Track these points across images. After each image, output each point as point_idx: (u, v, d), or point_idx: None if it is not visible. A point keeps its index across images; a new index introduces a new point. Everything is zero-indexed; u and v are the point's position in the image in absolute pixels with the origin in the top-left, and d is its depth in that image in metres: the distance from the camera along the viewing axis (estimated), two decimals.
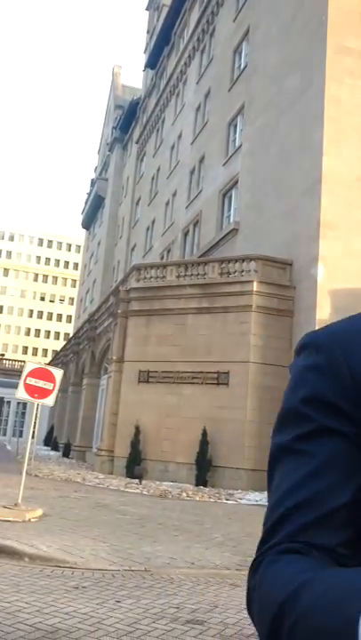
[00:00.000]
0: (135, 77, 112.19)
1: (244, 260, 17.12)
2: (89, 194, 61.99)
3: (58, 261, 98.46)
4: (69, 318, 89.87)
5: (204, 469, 15.47)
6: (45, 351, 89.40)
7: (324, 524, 0.67)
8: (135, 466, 16.37)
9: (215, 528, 9.50)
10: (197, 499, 13.62)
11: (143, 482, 15.50)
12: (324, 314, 15.31)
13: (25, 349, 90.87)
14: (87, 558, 6.47)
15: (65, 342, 58.05)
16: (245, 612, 3.10)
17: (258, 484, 14.95)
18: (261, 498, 14.32)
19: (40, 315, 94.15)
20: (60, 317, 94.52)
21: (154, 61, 40.87)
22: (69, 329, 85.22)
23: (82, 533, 7.80)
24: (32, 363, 10.01)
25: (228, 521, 10.51)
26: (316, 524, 0.67)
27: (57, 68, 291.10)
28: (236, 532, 9.26)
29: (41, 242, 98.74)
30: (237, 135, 23.65)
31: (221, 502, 13.39)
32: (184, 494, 13.86)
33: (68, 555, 6.49)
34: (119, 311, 18.69)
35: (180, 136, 32.44)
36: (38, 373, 9.47)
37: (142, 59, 47.97)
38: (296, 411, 0.73)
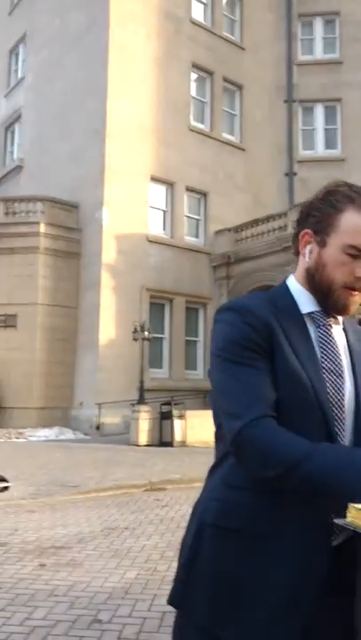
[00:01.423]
0: None
1: (30, 201, 16.91)
2: None
3: None
4: None
5: None
6: None
7: (272, 405, 1.14)
8: None
9: (8, 464, 9.87)
10: None
11: None
12: (109, 256, 16.09)
13: None
14: None
15: None
16: (43, 530, 3.79)
17: (47, 421, 15.57)
18: (50, 434, 15.02)
19: None
20: None
21: None
22: None
23: None
24: None
25: (20, 457, 10.97)
26: (269, 404, 1.14)
27: None
28: (29, 467, 9.79)
29: None
30: (20, 65, 22.49)
31: (12, 441, 13.73)
32: None
33: None
34: None
35: None
36: None
37: None
38: (238, 341, 1.19)
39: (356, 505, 1.01)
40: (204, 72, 19.09)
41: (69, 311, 16.28)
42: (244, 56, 20.11)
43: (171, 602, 1.25)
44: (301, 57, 21.10)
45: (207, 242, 18.43)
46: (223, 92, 19.59)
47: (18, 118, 21.94)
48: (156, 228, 17.50)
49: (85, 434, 15.22)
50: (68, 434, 15.31)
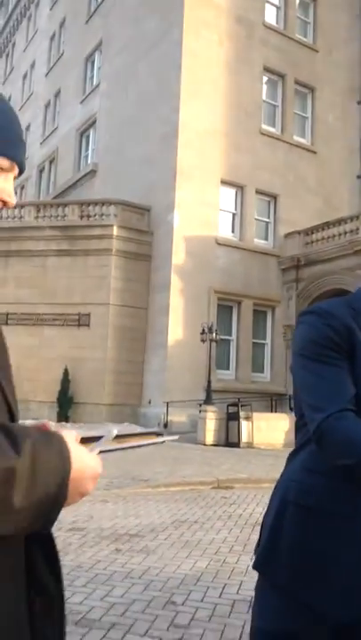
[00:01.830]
0: None
1: (104, 204, 17.49)
2: None
3: None
4: None
5: (66, 406, 16.19)
6: None
7: (351, 400, 1.30)
8: None
9: None
10: None
11: None
12: (179, 258, 16.42)
13: None
14: None
15: None
16: (117, 519, 4.10)
17: (117, 417, 16.07)
18: (120, 429, 15.47)
19: None
20: None
21: None
22: None
23: None
24: None
25: None
26: (350, 400, 1.30)
27: None
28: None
29: None
30: (95, 72, 23.28)
31: None
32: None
33: None
34: None
35: (32, 65, 30.85)
36: None
37: None
38: (320, 342, 1.35)
39: None
40: (276, 75, 19.10)
41: (139, 312, 16.73)
42: (316, 58, 19.95)
43: (255, 566, 1.45)
44: None
45: (276, 244, 18.41)
46: (295, 95, 19.52)
47: (93, 124, 22.72)
48: (226, 231, 17.67)
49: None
50: (137, 430, 15.73)
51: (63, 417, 16.14)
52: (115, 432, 1.06)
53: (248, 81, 18.18)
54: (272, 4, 19.38)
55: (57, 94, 26.75)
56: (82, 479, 0.83)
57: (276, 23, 19.42)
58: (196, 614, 3.47)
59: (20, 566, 0.88)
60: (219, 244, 17.08)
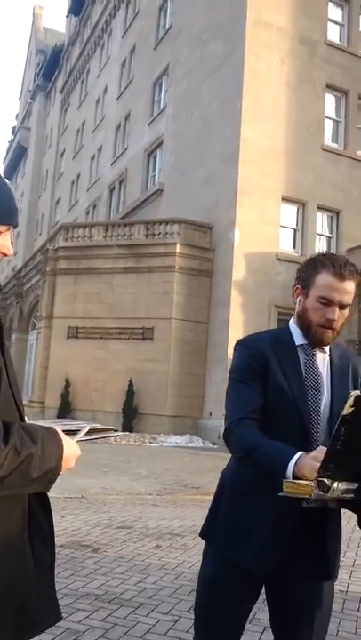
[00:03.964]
0: (59, 20, 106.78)
1: (167, 223, 18.22)
2: (10, 142, 60.04)
3: None
4: None
5: (130, 416, 16.91)
6: None
7: (256, 410, 1.77)
8: (65, 415, 17.58)
9: (140, 465, 10.95)
10: (124, 443, 15.09)
11: None
12: (239, 274, 16.82)
13: None
14: None
15: None
16: (163, 521, 4.70)
17: (178, 428, 16.61)
18: (180, 440, 16.00)
19: None
20: None
21: (77, 8, 39.80)
22: None
23: None
24: None
25: (151, 460, 12.01)
26: (252, 411, 1.76)
27: None
28: (158, 468, 10.76)
29: None
30: (162, 96, 24.24)
31: (146, 445, 14.92)
32: (112, 439, 15.28)
33: None
34: (47, 269, 19.40)
35: (105, 90, 32.39)
36: None
37: (65, 1, 46.34)
38: (241, 366, 1.83)
39: (287, 480, 1.46)
40: (339, 92, 19.22)
41: (200, 326, 17.24)
42: None
43: (200, 535, 1.93)
44: None
45: None
46: (358, 110, 19.53)
47: (159, 145, 23.63)
48: (287, 247, 17.91)
49: (213, 443, 15.99)
50: (197, 442, 16.19)
51: (128, 427, 16.86)
52: (88, 427, 1.56)
53: (310, 98, 18.43)
54: (335, 23, 19.57)
55: (127, 117, 27.98)
56: (69, 458, 1.31)
57: (340, 40, 19.57)
58: None
59: (25, 510, 1.37)
60: (279, 259, 17.34)
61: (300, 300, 1.87)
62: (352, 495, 1.26)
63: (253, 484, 1.77)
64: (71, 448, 1.31)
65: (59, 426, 1.41)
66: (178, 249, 17.54)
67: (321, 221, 18.55)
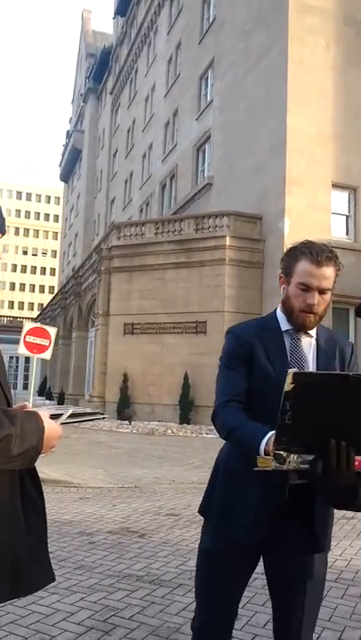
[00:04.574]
0: (106, 23, 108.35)
1: (217, 217, 18.29)
2: (65, 146, 61.53)
3: (38, 214, 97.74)
4: (53, 271, 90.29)
5: (187, 409, 17.16)
6: (32, 305, 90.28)
7: (241, 393, 1.93)
8: (125, 409, 18.05)
9: (194, 456, 11.16)
10: (181, 434, 15.35)
11: (133, 422, 17.20)
12: None
13: (11, 304, 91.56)
14: (87, 480, 8.05)
15: (51, 296, 59.11)
16: None
17: None
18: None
19: (24, 269, 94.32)
20: (43, 271, 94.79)
21: (124, 8, 40.29)
22: (54, 282, 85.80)
23: (82, 463, 9.39)
24: (29, 322, 11.36)
25: (206, 450, 12.17)
26: (237, 394, 1.93)
27: (23, 12, 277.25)
28: (212, 458, 10.81)
29: (20, 195, 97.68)
30: (209, 90, 24.25)
31: (202, 436, 15.13)
32: (169, 431, 15.58)
33: (72, 477, 8.06)
34: (102, 268, 19.91)
35: (153, 88, 32.69)
36: (35, 332, 10.84)
37: (112, 3, 47.00)
38: (229, 353, 1.99)
39: (259, 456, 1.58)
40: None
41: (252, 317, 17.25)
42: None
43: (199, 511, 2.08)
44: None
45: None
46: None
47: (208, 139, 23.68)
48: (339, 234, 17.59)
49: None
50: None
51: (185, 419, 17.12)
52: (70, 411, 1.74)
53: (357, 81, 17.96)
54: None
55: (175, 113, 28.16)
56: (50, 438, 1.50)
57: None
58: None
59: (16, 482, 1.57)
60: (332, 247, 16.89)
61: (283, 288, 1.98)
62: (307, 466, 1.37)
63: (244, 463, 1.90)
64: (52, 429, 1.49)
65: (45, 410, 1.58)
66: (228, 241, 17.59)
67: None
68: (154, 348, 18.28)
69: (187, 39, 27.05)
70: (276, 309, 2.05)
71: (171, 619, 3.38)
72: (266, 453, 1.61)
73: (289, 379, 1.29)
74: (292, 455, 1.39)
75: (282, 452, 1.38)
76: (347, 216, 17.81)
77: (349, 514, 6.35)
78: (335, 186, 17.46)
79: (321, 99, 17.39)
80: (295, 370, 1.29)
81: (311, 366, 1.95)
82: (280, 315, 2.02)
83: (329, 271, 1.91)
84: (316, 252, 1.90)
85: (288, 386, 1.29)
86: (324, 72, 17.53)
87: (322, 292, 1.91)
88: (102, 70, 47.35)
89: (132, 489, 7.73)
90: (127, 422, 17.26)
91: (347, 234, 17.75)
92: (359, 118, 17.79)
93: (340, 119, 17.54)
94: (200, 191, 23.41)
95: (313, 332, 1.99)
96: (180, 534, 5.36)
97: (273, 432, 1.66)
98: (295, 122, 17.04)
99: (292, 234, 16.68)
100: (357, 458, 1.36)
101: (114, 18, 44.99)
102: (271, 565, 1.98)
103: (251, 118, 19.29)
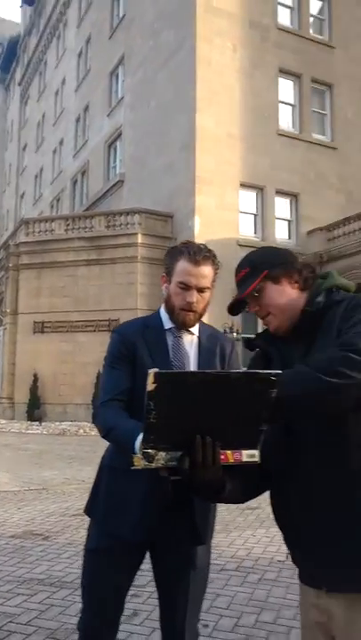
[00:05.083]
0: (14, 10, 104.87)
1: (128, 214, 18.25)
2: None
3: None
4: None
5: None
6: None
7: (123, 392, 1.92)
8: (35, 410, 17.61)
9: None
10: (93, 434, 15.16)
11: (43, 423, 16.82)
12: None
13: None
14: None
15: None
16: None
17: None
18: None
19: None
20: None
21: None
22: None
23: None
24: None
25: None
26: (120, 392, 1.92)
27: None
28: None
29: None
30: (119, 86, 24.12)
31: None
32: (81, 431, 15.39)
33: None
34: (10, 265, 19.29)
35: (63, 82, 32.06)
36: None
37: None
38: (113, 353, 1.98)
39: (135, 455, 1.51)
40: (292, 75, 19.38)
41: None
42: (333, 54, 20.11)
43: (85, 511, 2.07)
44: None
45: (299, 242, 18.69)
46: (312, 93, 19.75)
47: (119, 136, 23.56)
48: (248, 232, 18.10)
49: None
50: None
51: None
52: None
53: (264, 84, 18.56)
54: (285, 6, 19.68)
55: (86, 109, 27.78)
56: None
57: (291, 24, 19.70)
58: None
59: None
60: (240, 245, 17.48)
61: (165, 287, 2.00)
62: (175, 463, 1.39)
63: (126, 461, 1.90)
64: None
65: None
66: (139, 239, 17.61)
67: (280, 205, 18.76)
68: (65, 347, 17.96)
69: (97, 34, 26.74)
70: (160, 308, 2.08)
71: (70, 620, 3.33)
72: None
73: (150, 378, 1.29)
74: (160, 453, 1.40)
75: (150, 451, 1.39)
76: (255, 215, 18.36)
77: (254, 504, 6.57)
78: (243, 185, 17.95)
79: (229, 100, 17.79)
80: (156, 369, 1.30)
81: (193, 363, 1.99)
82: (163, 313, 2.04)
83: (207, 270, 1.95)
84: (193, 252, 1.94)
85: (150, 385, 1.30)
86: (231, 74, 17.95)
87: (200, 290, 1.95)
88: (10, 60, 45.85)
89: (38, 491, 7.55)
90: (37, 423, 16.86)
91: (255, 232, 18.30)
92: (265, 120, 18.38)
93: (248, 120, 18.04)
94: (112, 188, 23.26)
95: (195, 329, 2.03)
96: (85, 534, 5.29)
97: None
98: (204, 122, 17.33)
99: (203, 232, 16.98)
100: (223, 452, 1.40)
101: (21, 6, 43.65)
102: (157, 558, 2.01)
103: (161, 116, 19.40)
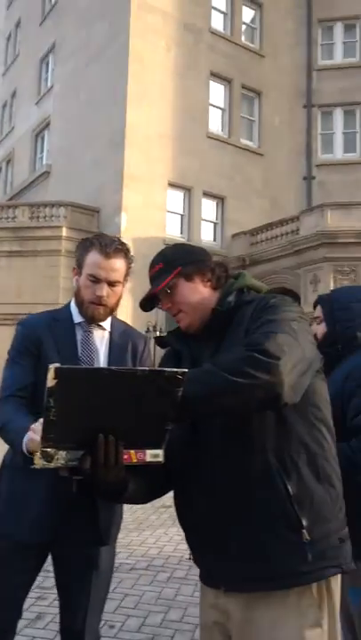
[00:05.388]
0: None
1: (53, 206, 17.83)
2: None
3: None
4: None
5: None
6: None
7: (24, 388, 1.84)
8: None
9: None
10: None
11: None
12: None
13: None
14: None
15: None
16: None
17: None
18: None
19: None
20: None
21: None
22: None
23: None
24: None
25: None
26: (21, 388, 1.84)
27: None
28: None
29: None
30: (49, 74, 23.53)
31: None
32: None
33: None
34: None
35: None
36: None
37: None
38: (17, 347, 1.90)
39: (35, 454, 1.41)
40: (223, 80, 19.66)
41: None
42: (263, 63, 20.58)
43: None
44: (321, 62, 21.42)
45: (224, 245, 19.00)
46: (242, 99, 20.12)
47: (47, 126, 22.99)
48: (174, 232, 18.18)
49: None
50: None
51: None
52: None
53: (195, 86, 18.70)
54: (219, 11, 19.93)
55: (13, 95, 26.90)
56: None
57: (223, 29, 19.98)
58: None
59: None
60: (166, 244, 17.41)
61: (76, 279, 1.95)
62: (75, 463, 1.34)
63: (26, 460, 1.83)
64: None
65: None
66: (64, 232, 17.23)
67: (207, 207, 18.99)
68: None
69: (27, 18, 25.94)
70: (70, 301, 2.02)
71: None
72: (30, 452, 1.54)
73: (51, 374, 1.23)
74: (60, 452, 1.34)
75: (49, 450, 1.33)
76: (181, 215, 18.47)
77: (168, 502, 6.60)
78: (171, 185, 18.01)
79: (160, 98, 17.79)
80: (57, 364, 1.25)
81: (103, 359, 1.94)
82: (73, 307, 1.99)
83: (119, 263, 1.91)
84: (105, 244, 1.90)
85: (50, 381, 1.24)
86: (163, 72, 17.95)
87: (111, 284, 1.91)
88: None
89: None
90: None
91: (181, 232, 18.41)
92: (195, 121, 18.53)
93: (178, 120, 18.12)
94: (38, 179, 22.66)
95: (107, 324, 1.99)
96: None
97: (31, 431, 1.57)
98: (135, 118, 17.23)
99: (130, 229, 16.89)
100: (127, 452, 1.36)
101: None
102: (58, 559, 1.95)
103: (91, 109, 19.10)
